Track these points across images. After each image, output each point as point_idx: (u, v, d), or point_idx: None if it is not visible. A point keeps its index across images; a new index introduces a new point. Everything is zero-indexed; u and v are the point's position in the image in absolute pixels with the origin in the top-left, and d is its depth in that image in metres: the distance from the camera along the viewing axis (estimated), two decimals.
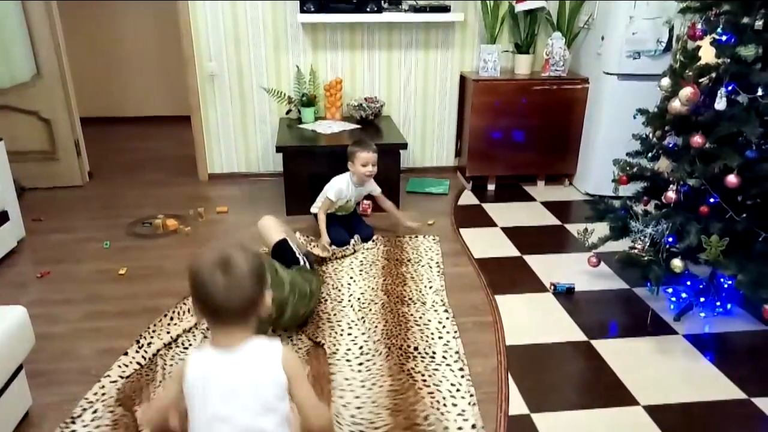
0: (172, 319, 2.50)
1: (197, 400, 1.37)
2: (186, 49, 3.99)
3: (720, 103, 2.23)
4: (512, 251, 3.24)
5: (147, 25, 5.75)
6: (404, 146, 3.68)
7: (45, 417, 2.00)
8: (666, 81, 2.48)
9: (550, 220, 3.68)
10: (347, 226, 3.31)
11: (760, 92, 2.18)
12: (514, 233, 3.46)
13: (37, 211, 3.70)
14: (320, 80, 4.15)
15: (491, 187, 4.21)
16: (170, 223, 3.48)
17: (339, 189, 3.20)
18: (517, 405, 2.07)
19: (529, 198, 4.04)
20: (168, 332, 2.41)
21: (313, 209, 3.32)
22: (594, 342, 2.43)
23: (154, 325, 2.46)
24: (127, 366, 2.20)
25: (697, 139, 2.28)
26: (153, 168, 4.64)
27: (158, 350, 2.29)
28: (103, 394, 2.05)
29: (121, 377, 2.14)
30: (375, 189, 3.37)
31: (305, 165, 3.61)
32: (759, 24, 2.18)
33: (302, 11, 3.79)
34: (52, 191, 4.07)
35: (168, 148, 5.13)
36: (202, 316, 1.41)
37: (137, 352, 2.29)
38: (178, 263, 3.06)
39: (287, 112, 4.18)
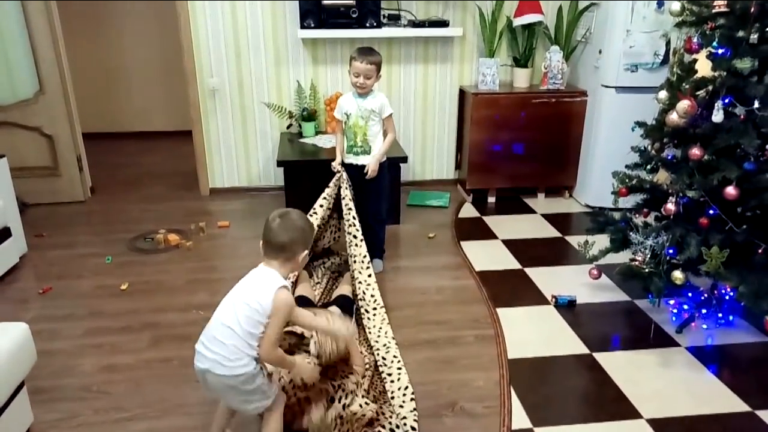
0: None
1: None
2: (187, 65, 4.02)
3: (717, 116, 2.24)
4: (513, 264, 3.24)
5: (148, 41, 5.79)
6: (405, 160, 3.69)
7: None
8: (663, 94, 2.50)
9: (550, 232, 3.69)
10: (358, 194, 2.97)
11: (756, 105, 2.20)
12: (514, 246, 3.46)
13: (39, 226, 3.71)
14: (320, 95, 4.18)
15: (491, 199, 4.22)
16: (172, 238, 3.49)
17: (340, 104, 2.99)
18: (520, 419, 2.06)
19: (530, 210, 4.05)
20: None
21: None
22: (596, 355, 2.42)
23: None
24: None
25: (695, 152, 2.30)
26: (154, 183, 4.66)
27: None
28: None
29: None
30: (384, 108, 2.94)
31: (306, 179, 3.62)
32: (754, 38, 2.20)
33: (302, 27, 3.83)
34: (54, 207, 4.09)
35: (169, 163, 5.15)
36: (261, 246, 1.80)
37: None
38: (179, 278, 3.07)
39: (288, 127, 4.20)
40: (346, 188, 2.93)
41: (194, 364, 1.73)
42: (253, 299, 1.68)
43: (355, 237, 2.86)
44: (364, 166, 2.98)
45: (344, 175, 2.95)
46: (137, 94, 5.99)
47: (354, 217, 2.89)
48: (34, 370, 1.98)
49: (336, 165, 2.98)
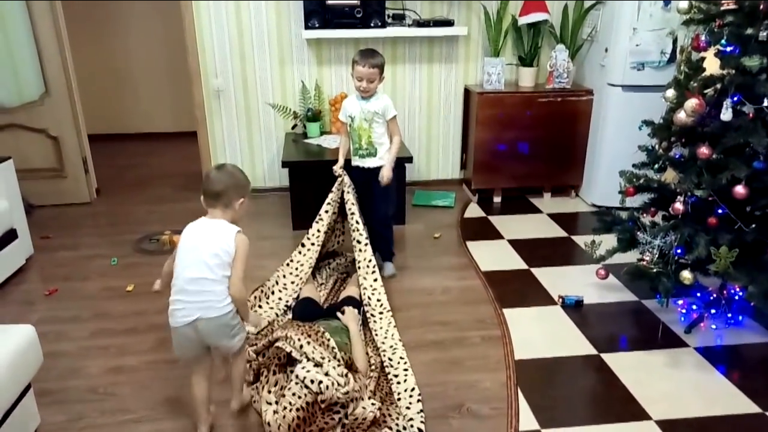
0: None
1: (179, 254, 1.94)
2: (192, 66, 4.02)
3: (726, 114, 2.22)
4: (519, 264, 3.23)
5: (153, 43, 5.80)
6: (410, 160, 3.68)
7: None
8: (671, 92, 2.48)
9: (557, 232, 3.67)
10: (362, 197, 2.99)
11: (766, 103, 2.18)
12: (521, 246, 3.44)
13: (46, 228, 3.72)
14: (325, 95, 4.17)
15: (497, 199, 4.20)
16: (177, 239, 3.41)
17: (344, 106, 2.98)
18: (527, 420, 2.04)
19: (536, 210, 4.04)
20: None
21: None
22: (604, 355, 2.41)
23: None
24: None
25: (703, 150, 2.28)
26: (160, 184, 4.67)
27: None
28: None
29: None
30: (388, 110, 2.89)
31: (311, 179, 3.61)
32: (763, 35, 2.18)
33: (307, 27, 3.83)
34: (60, 208, 4.10)
35: (174, 164, 5.16)
36: (202, 199, 1.99)
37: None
38: None
39: (292, 127, 4.20)
40: (349, 192, 2.93)
41: (174, 324, 1.87)
42: (219, 248, 1.87)
43: (359, 242, 2.87)
44: (370, 169, 2.96)
45: (346, 178, 2.95)
46: (142, 96, 6.00)
47: (358, 221, 2.89)
48: (41, 372, 1.98)
49: (337, 169, 2.97)
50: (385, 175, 2.90)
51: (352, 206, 2.91)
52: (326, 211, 2.97)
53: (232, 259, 1.88)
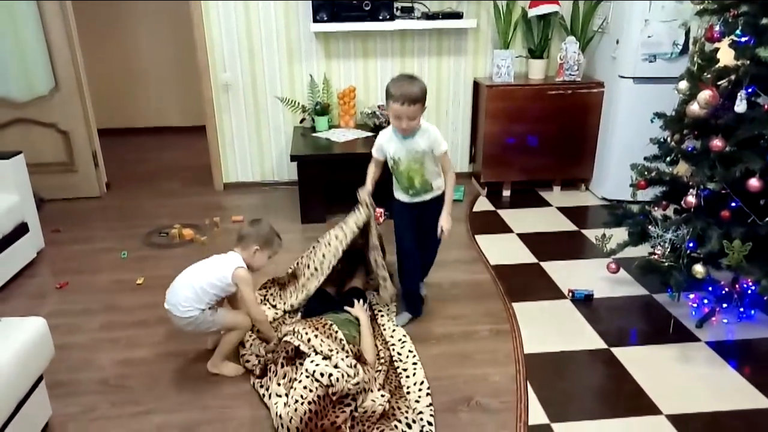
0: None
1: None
2: (201, 60, 4.03)
3: (740, 106, 2.19)
4: (529, 258, 3.21)
5: (162, 37, 5.81)
6: None
7: (65, 428, 2.01)
8: (684, 84, 2.44)
9: (566, 225, 3.64)
10: (413, 221, 2.52)
11: None
12: (530, 239, 3.42)
13: (56, 222, 3.75)
14: (333, 89, 4.16)
15: (506, 193, 4.18)
16: (186, 233, 3.50)
17: (379, 144, 2.49)
18: (537, 414, 2.04)
19: (545, 204, 4.01)
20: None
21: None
22: (614, 350, 2.39)
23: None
24: None
25: (717, 143, 2.25)
26: (169, 178, 4.68)
27: None
28: None
29: None
30: (438, 144, 2.39)
31: (320, 173, 3.61)
32: None
33: (315, 20, 3.81)
34: (71, 202, 4.12)
35: (183, 159, 5.17)
36: None
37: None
38: None
39: (301, 121, 4.19)
40: (374, 225, 2.59)
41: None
42: (214, 277, 2.20)
43: (384, 279, 2.60)
44: (419, 203, 2.51)
45: (372, 210, 2.54)
46: (152, 90, 6.02)
47: (377, 261, 2.61)
48: (52, 364, 1.99)
49: (365, 196, 2.51)
50: (446, 228, 2.45)
51: (377, 241, 2.59)
52: (338, 238, 2.60)
53: (224, 286, 2.20)
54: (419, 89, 2.25)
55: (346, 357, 1.99)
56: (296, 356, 2.09)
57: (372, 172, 2.56)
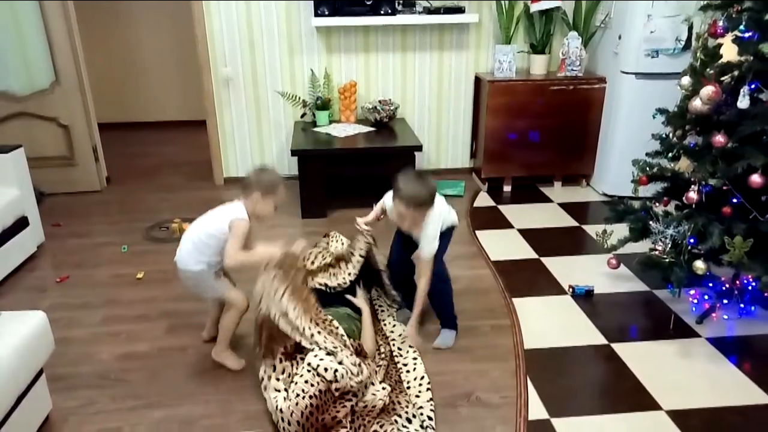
0: None
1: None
2: (201, 54, 4.01)
3: (743, 102, 2.18)
4: (529, 253, 3.20)
5: (163, 31, 5.80)
6: (419, 148, 3.66)
7: (65, 421, 2.02)
8: (686, 80, 2.44)
9: (567, 221, 3.64)
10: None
11: None
12: (531, 235, 3.42)
13: (56, 216, 3.74)
14: (334, 83, 4.15)
15: (507, 188, 4.17)
16: (186, 227, 3.45)
17: (383, 204, 2.41)
18: (537, 410, 2.04)
19: (546, 199, 4.00)
20: None
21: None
22: (615, 345, 2.39)
23: None
24: None
25: (719, 139, 2.24)
26: (169, 172, 4.68)
27: None
28: None
29: None
30: (422, 246, 2.24)
31: (320, 168, 3.61)
32: None
33: (316, 15, 3.80)
34: (71, 196, 4.12)
35: (184, 153, 5.17)
36: None
37: None
38: None
39: (302, 116, 4.18)
40: (376, 252, 2.55)
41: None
42: (212, 227, 2.16)
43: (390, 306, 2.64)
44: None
45: (372, 239, 2.49)
46: (152, 85, 6.01)
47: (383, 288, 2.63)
48: (52, 358, 1.99)
49: (361, 223, 2.44)
50: (411, 343, 2.36)
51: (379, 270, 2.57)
52: (350, 275, 2.50)
53: (222, 234, 2.13)
54: (428, 192, 2.12)
55: (350, 354, 1.99)
56: (296, 351, 2.09)
57: (377, 213, 2.45)
